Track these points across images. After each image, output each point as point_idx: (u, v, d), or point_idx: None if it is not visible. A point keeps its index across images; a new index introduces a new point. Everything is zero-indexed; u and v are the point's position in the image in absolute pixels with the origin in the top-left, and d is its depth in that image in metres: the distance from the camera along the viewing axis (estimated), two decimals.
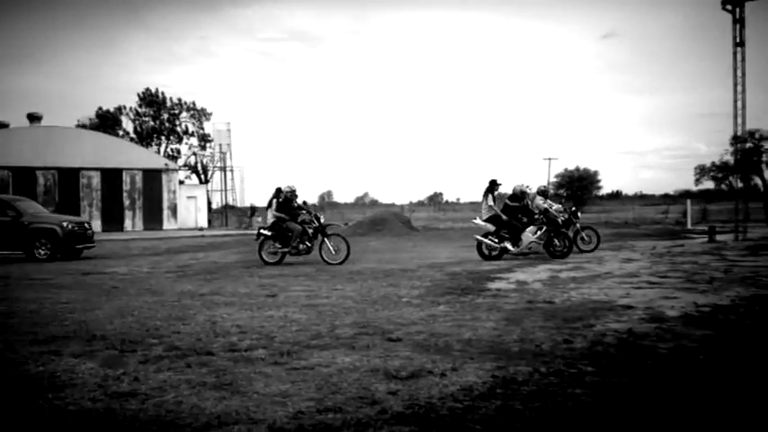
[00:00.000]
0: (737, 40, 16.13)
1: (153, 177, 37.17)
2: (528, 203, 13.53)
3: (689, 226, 27.83)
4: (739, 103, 16.56)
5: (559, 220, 13.52)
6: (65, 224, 16.08)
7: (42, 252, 15.45)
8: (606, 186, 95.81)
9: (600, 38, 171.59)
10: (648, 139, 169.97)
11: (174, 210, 37.98)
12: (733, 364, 4.30)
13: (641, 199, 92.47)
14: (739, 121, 16.53)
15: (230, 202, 45.65)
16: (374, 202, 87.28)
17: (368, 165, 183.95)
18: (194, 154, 48.78)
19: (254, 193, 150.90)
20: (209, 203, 42.28)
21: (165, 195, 37.65)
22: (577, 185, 56.55)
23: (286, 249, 13.11)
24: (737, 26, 16.17)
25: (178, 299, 7.97)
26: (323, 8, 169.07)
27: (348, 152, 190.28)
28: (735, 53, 16.42)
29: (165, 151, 48.17)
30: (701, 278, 9.18)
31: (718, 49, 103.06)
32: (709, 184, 47.97)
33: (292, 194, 13.40)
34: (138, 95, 48.27)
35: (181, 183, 40.60)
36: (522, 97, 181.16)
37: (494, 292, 8.30)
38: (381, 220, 25.61)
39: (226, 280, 10.22)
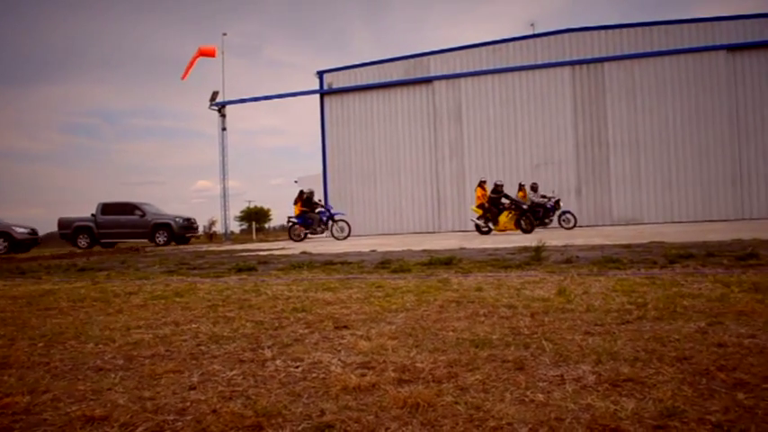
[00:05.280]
0: (222, 127, 25.84)
1: None
2: (504, 194, 17.47)
3: None
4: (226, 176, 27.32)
5: (524, 207, 17.33)
6: (177, 219, 21.82)
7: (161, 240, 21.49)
8: None
9: None
10: None
11: None
12: None
13: None
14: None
15: None
16: None
17: None
18: None
19: None
20: None
21: None
22: None
23: (307, 231, 18.86)
24: (222, 118, 25.67)
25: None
26: None
27: None
28: (221, 136, 25.91)
29: None
30: None
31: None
32: None
33: (311, 194, 19.12)
34: None
35: None
36: None
37: None
38: None
39: None
